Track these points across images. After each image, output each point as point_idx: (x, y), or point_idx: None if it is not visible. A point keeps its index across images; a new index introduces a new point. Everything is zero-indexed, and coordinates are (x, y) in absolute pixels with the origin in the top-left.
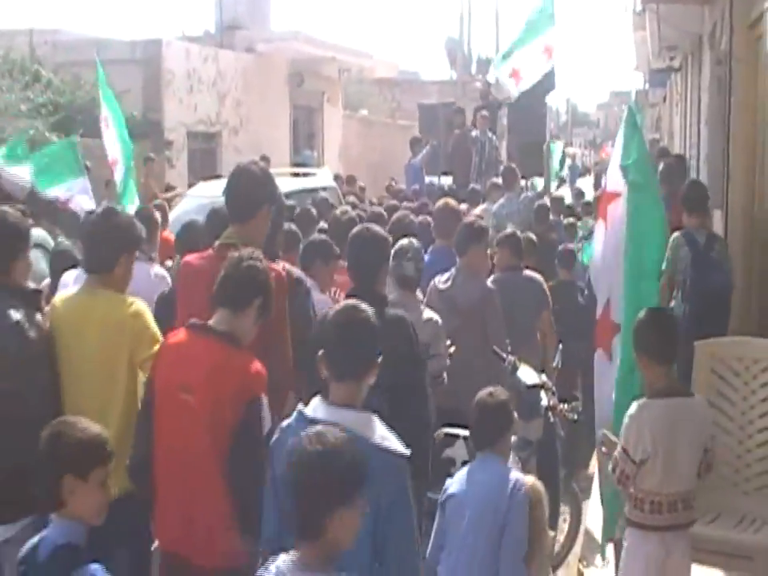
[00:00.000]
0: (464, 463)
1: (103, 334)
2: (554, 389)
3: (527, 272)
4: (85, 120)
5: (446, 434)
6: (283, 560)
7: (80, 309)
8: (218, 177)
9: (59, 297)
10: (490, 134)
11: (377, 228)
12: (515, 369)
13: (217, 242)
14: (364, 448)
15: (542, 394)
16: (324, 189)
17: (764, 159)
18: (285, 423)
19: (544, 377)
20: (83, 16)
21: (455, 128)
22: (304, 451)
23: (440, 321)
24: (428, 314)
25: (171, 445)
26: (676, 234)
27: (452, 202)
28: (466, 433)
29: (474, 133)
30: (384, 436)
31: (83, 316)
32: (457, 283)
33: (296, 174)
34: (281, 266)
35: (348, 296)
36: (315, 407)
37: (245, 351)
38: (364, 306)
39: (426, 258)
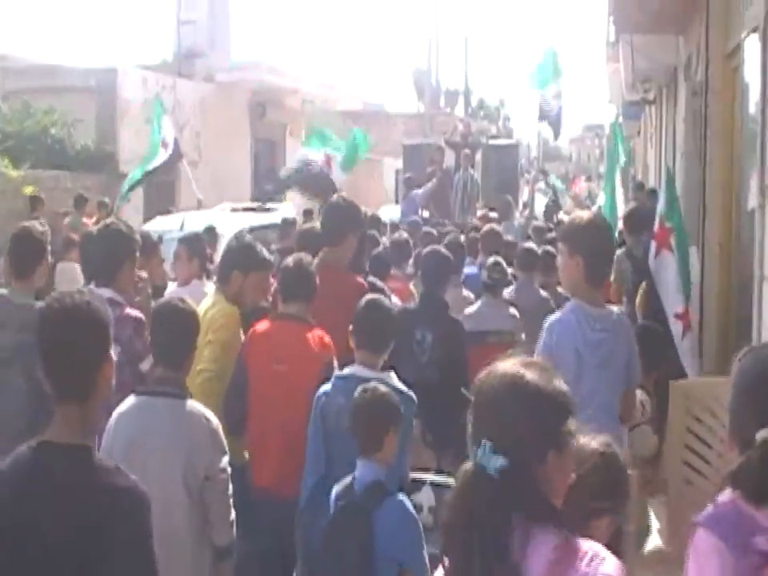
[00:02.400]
0: (430, 509)
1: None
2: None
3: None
4: (35, 150)
5: (412, 480)
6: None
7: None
8: (170, 211)
9: None
10: (471, 172)
11: (443, 250)
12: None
13: (279, 312)
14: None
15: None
16: (287, 221)
17: (741, 194)
18: (324, 388)
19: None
20: (34, 42)
21: (435, 166)
22: (365, 396)
23: (518, 315)
24: (511, 310)
25: (269, 405)
26: (618, 251)
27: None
28: (433, 477)
29: (458, 173)
30: (401, 386)
31: None
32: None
33: (257, 209)
34: (361, 278)
35: (421, 298)
36: (350, 370)
37: (316, 328)
38: (382, 300)
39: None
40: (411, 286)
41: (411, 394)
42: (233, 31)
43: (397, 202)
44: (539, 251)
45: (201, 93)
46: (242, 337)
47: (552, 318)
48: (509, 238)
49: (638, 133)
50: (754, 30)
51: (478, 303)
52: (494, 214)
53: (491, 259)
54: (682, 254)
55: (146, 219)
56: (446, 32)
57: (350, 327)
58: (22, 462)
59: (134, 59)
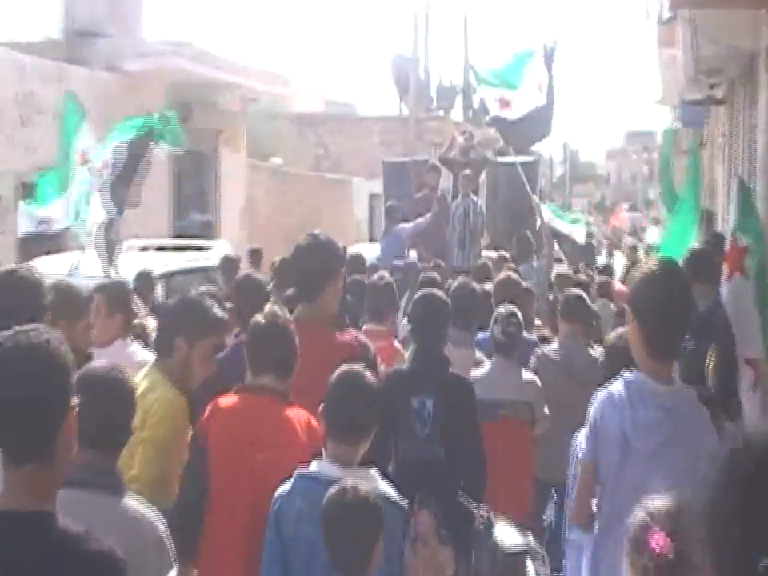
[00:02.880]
0: None
1: None
2: (544, 554)
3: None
4: None
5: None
6: None
7: None
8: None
9: None
10: (474, 198)
11: (440, 293)
12: (490, 525)
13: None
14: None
15: (528, 562)
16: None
17: None
18: (284, 489)
19: (531, 538)
20: None
21: (430, 189)
22: (343, 502)
23: (539, 383)
24: (527, 375)
25: (233, 504)
26: None
27: (512, 275)
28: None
29: (456, 200)
30: (386, 488)
31: None
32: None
33: (181, 248)
34: (349, 335)
35: (415, 356)
36: (317, 467)
37: (298, 406)
38: (361, 374)
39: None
40: (397, 344)
41: (402, 503)
42: (146, 2)
43: (372, 237)
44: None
45: (101, 85)
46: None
47: (602, 390)
48: (526, 284)
49: (701, 143)
50: None
51: (487, 365)
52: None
53: (503, 309)
54: (762, 283)
55: (25, 257)
56: (439, 9)
57: (320, 408)
58: None
59: (5, 36)
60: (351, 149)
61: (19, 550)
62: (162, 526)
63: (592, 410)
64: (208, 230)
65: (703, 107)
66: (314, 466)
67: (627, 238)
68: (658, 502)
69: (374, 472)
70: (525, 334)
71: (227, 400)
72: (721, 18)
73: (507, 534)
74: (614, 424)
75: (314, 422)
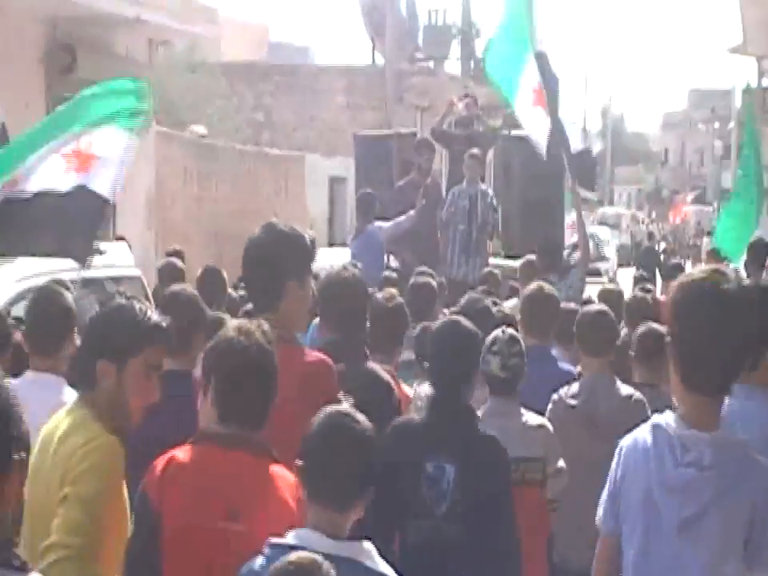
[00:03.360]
0: None
1: None
2: None
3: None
4: None
5: None
6: None
7: None
8: None
9: None
10: (483, 186)
11: (467, 323)
12: None
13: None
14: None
15: None
16: (117, 279)
17: None
18: (254, 564)
19: None
20: None
21: (419, 173)
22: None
23: (550, 427)
24: (535, 419)
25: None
26: None
27: (546, 286)
28: None
29: (459, 187)
30: (385, 569)
31: None
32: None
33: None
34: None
35: (431, 405)
36: (297, 537)
37: (281, 463)
38: (351, 415)
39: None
40: (406, 388)
41: None
42: None
43: (332, 238)
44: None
45: None
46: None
47: (626, 437)
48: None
49: None
50: None
51: (482, 409)
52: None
53: (501, 333)
54: None
55: None
56: None
57: (296, 462)
58: None
59: None
60: (304, 114)
61: None
62: None
63: (613, 465)
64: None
65: None
66: (291, 536)
67: (694, 239)
68: None
69: (369, 546)
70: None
71: (187, 453)
72: None
73: None
74: (638, 485)
75: (288, 479)
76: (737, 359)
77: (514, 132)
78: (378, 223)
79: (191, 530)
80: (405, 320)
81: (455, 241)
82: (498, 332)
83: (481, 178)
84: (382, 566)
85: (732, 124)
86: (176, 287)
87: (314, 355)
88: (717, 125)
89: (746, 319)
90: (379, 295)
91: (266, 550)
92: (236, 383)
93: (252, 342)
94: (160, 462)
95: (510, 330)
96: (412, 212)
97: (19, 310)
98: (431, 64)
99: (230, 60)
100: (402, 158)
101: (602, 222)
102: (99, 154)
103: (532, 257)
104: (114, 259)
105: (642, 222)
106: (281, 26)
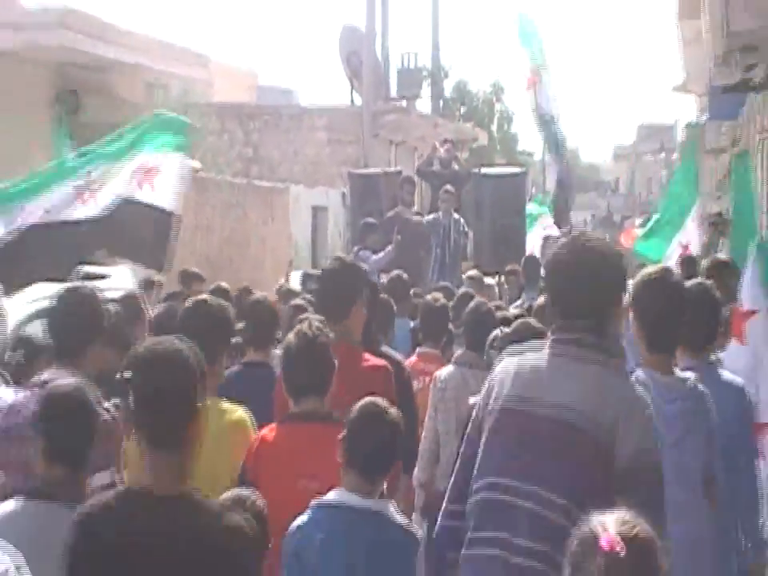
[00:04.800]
0: None
1: None
2: None
3: None
4: None
5: None
6: None
7: None
8: None
9: None
10: (455, 215)
11: (532, 320)
12: None
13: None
14: (388, 526)
15: None
16: (115, 301)
17: None
18: (301, 521)
19: None
20: None
21: (403, 204)
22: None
23: None
24: None
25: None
26: None
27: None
28: None
29: (431, 216)
30: (400, 518)
31: None
32: None
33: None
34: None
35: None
36: (335, 497)
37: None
38: (384, 408)
39: None
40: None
41: (415, 531)
42: None
43: (315, 262)
44: None
45: None
46: None
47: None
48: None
49: (734, 143)
50: None
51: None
52: (489, 280)
53: (500, 330)
54: None
55: None
56: None
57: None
58: (122, 509)
59: None
60: (289, 149)
61: (168, 523)
62: None
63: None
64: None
65: (737, 94)
66: (332, 495)
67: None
68: (608, 513)
69: (393, 504)
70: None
71: (269, 433)
72: None
73: None
74: None
75: None
76: (678, 328)
77: (484, 170)
78: (368, 254)
79: (280, 490)
80: (447, 316)
81: (435, 259)
82: (497, 331)
83: (455, 209)
84: (404, 519)
85: (676, 155)
86: (258, 296)
87: (375, 360)
88: (663, 155)
89: (684, 301)
90: (428, 297)
91: (312, 509)
92: (300, 362)
93: (313, 334)
94: (255, 441)
95: (507, 329)
96: (389, 247)
97: (32, 329)
98: (404, 103)
99: (221, 101)
100: (389, 193)
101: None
102: (162, 170)
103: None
104: (116, 282)
105: None
106: (268, 71)
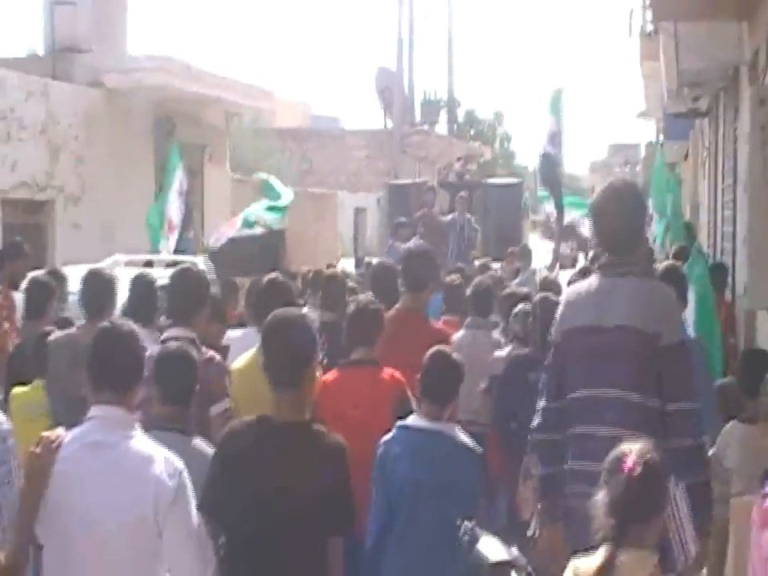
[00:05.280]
0: None
1: None
2: (530, 568)
3: None
4: None
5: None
6: None
7: None
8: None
9: None
10: (468, 216)
11: (554, 296)
12: (474, 540)
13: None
14: (453, 445)
15: (513, 574)
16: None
17: None
18: (387, 437)
19: (515, 550)
20: None
21: (428, 207)
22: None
23: None
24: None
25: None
26: None
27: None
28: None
29: (450, 216)
30: (464, 438)
31: None
32: None
33: (167, 264)
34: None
35: (521, 355)
36: (413, 421)
37: (385, 368)
38: (449, 352)
39: None
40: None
41: (477, 448)
42: (130, 17)
43: (357, 252)
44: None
45: (84, 101)
46: None
47: None
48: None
49: (686, 157)
50: None
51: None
52: (496, 265)
53: (520, 308)
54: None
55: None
56: (423, 26)
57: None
58: (254, 429)
59: None
60: (336, 163)
61: (293, 440)
62: None
63: None
64: (195, 246)
65: (686, 120)
66: (410, 420)
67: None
68: (633, 443)
69: (458, 427)
70: None
71: (332, 375)
72: (704, 30)
73: (491, 547)
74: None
75: (397, 375)
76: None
77: (490, 181)
78: (398, 243)
79: (335, 418)
80: (464, 292)
81: (452, 250)
82: (517, 308)
83: (468, 211)
84: (467, 439)
85: (639, 168)
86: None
87: (437, 326)
88: (628, 168)
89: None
90: (448, 278)
91: (396, 428)
92: (354, 323)
93: (364, 304)
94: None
95: (525, 307)
96: (415, 238)
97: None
98: (425, 127)
99: (282, 126)
100: (417, 199)
101: (549, 237)
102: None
103: (485, 260)
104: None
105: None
106: (319, 102)
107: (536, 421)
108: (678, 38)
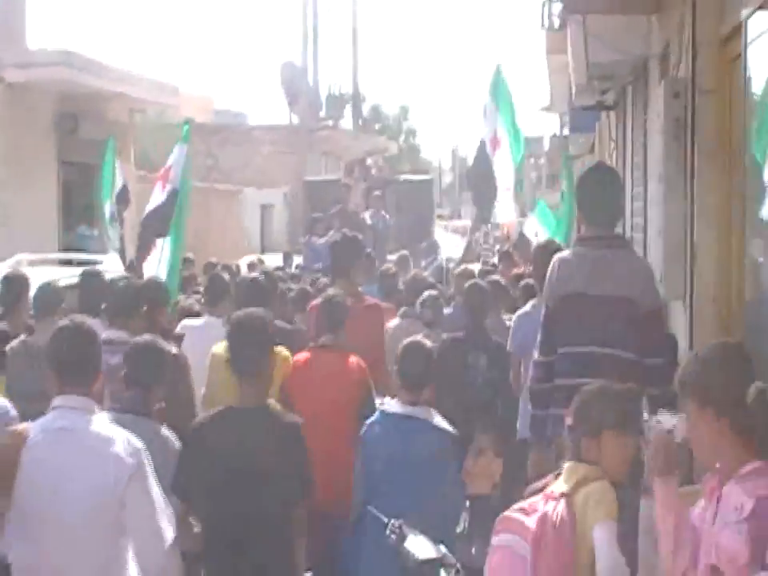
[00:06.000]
0: None
1: None
2: (458, 565)
3: None
4: None
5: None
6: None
7: None
8: None
9: None
10: (383, 213)
11: (482, 283)
12: (402, 538)
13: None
14: (428, 428)
15: (442, 572)
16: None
17: (744, 229)
18: (371, 420)
19: (443, 548)
20: None
21: (340, 206)
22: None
23: None
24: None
25: (316, 425)
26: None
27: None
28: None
29: (367, 212)
30: (441, 421)
31: None
32: None
33: (68, 262)
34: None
35: (457, 338)
36: (391, 405)
37: (352, 354)
38: (422, 342)
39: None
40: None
41: (453, 431)
42: (30, 11)
43: (264, 248)
44: None
45: None
46: None
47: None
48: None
49: (592, 149)
50: (762, 7)
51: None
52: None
53: (428, 294)
54: None
55: None
56: (328, 22)
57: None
58: (234, 418)
59: None
60: (242, 159)
61: (254, 424)
62: (177, 443)
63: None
64: (98, 243)
65: (593, 113)
66: (392, 406)
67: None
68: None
69: (434, 411)
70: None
71: (303, 356)
72: (612, 23)
73: (420, 545)
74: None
75: (362, 364)
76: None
77: (403, 177)
78: (315, 239)
79: (307, 399)
80: (397, 281)
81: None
82: (426, 293)
83: (383, 208)
84: (444, 423)
85: (542, 160)
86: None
87: (371, 301)
88: (532, 160)
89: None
90: (383, 267)
91: (378, 412)
92: (322, 312)
93: (329, 294)
94: (292, 362)
95: (434, 292)
96: (332, 232)
97: None
98: (331, 122)
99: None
100: (332, 195)
101: (453, 231)
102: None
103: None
104: (108, 266)
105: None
106: (223, 96)
107: (530, 372)
108: (587, 31)
